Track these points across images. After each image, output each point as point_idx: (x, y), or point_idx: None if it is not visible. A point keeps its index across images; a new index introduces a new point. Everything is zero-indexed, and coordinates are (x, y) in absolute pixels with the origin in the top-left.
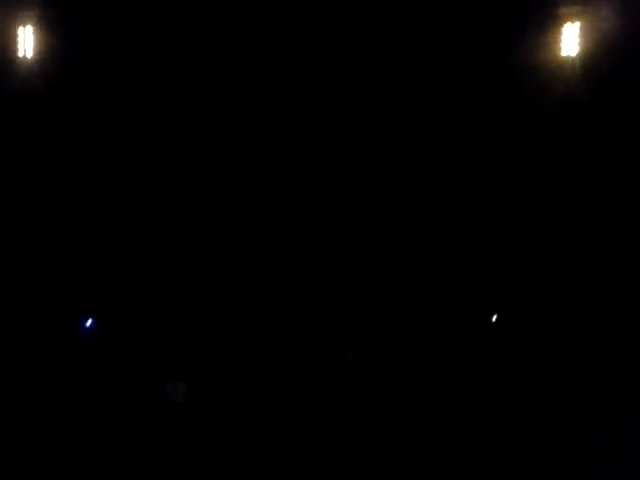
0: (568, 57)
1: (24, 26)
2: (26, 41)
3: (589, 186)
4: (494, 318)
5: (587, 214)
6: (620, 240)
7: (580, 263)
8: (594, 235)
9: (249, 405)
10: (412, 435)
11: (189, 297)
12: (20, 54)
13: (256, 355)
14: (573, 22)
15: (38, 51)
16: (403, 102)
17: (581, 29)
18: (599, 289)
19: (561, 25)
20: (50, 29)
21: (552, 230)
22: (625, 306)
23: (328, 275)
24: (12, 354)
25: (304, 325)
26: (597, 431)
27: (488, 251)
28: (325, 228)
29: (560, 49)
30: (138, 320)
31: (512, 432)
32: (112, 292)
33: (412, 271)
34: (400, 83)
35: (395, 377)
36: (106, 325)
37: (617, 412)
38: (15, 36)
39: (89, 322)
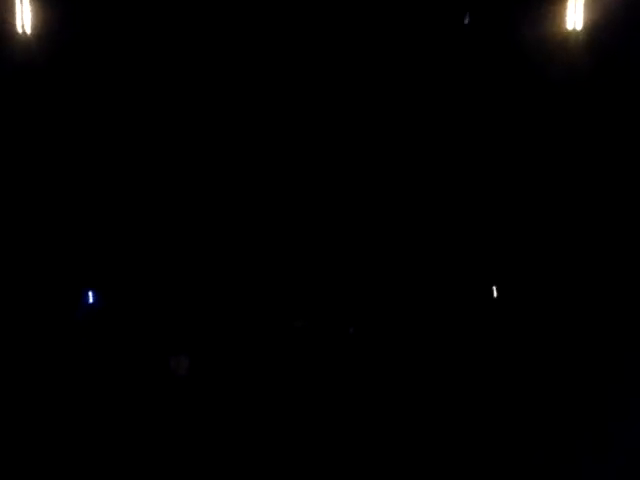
0: (573, 30)
1: (22, 1)
2: (24, 16)
3: (593, 160)
4: (494, 291)
5: (592, 190)
6: (624, 212)
7: (586, 238)
8: (596, 209)
9: (250, 379)
10: (413, 412)
11: (191, 273)
12: (19, 30)
13: (257, 329)
14: None
15: (37, 26)
16: (405, 78)
17: (586, 2)
18: (602, 267)
19: None
20: (48, 4)
21: (555, 202)
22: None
23: (327, 248)
24: (13, 329)
25: (304, 299)
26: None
27: (490, 224)
28: (322, 200)
29: (565, 22)
30: (141, 295)
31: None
32: (115, 267)
33: (412, 242)
34: (402, 58)
35: (397, 351)
36: (109, 300)
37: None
38: (13, 11)
39: (91, 296)
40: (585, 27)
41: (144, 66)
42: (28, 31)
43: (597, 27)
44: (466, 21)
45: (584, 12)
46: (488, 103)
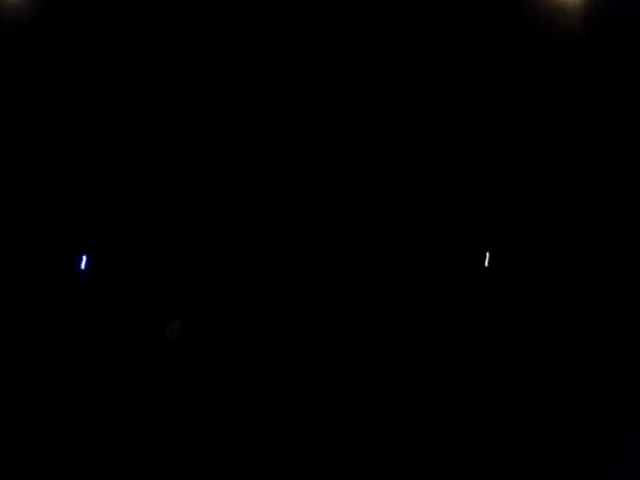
0: None
1: None
2: None
3: (591, 129)
4: (487, 259)
5: (590, 160)
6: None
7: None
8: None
9: (242, 341)
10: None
11: (185, 241)
12: None
13: (250, 294)
14: None
15: None
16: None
17: None
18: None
19: None
20: None
21: (553, 169)
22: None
23: (320, 218)
24: (9, 293)
25: (299, 265)
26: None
27: (487, 194)
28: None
29: None
30: (139, 258)
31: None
32: (110, 230)
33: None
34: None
35: (391, 319)
36: (104, 265)
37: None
38: None
39: (84, 261)
40: None
41: (131, 28)
42: None
43: None
44: None
45: None
46: (487, 70)
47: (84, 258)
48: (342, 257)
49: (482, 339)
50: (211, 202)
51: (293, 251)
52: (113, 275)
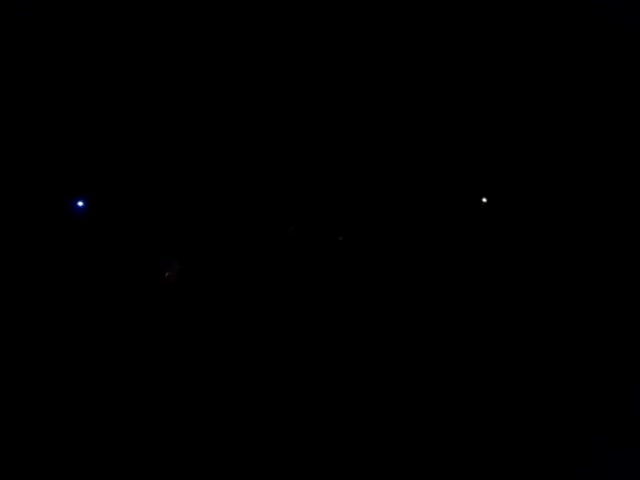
0: None
1: None
2: None
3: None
4: (484, 200)
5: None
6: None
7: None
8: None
9: (241, 283)
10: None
11: (183, 180)
12: None
13: (249, 234)
14: None
15: None
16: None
17: None
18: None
19: None
20: None
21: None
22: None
23: (318, 155)
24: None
25: (297, 205)
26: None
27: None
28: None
29: None
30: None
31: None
32: (108, 173)
33: (404, 154)
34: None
35: (385, 256)
36: (102, 206)
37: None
38: None
39: (81, 203)
40: None
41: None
42: None
43: None
44: None
45: None
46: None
47: (81, 201)
48: (337, 195)
49: (482, 282)
50: (209, 143)
51: (291, 192)
52: (110, 216)
